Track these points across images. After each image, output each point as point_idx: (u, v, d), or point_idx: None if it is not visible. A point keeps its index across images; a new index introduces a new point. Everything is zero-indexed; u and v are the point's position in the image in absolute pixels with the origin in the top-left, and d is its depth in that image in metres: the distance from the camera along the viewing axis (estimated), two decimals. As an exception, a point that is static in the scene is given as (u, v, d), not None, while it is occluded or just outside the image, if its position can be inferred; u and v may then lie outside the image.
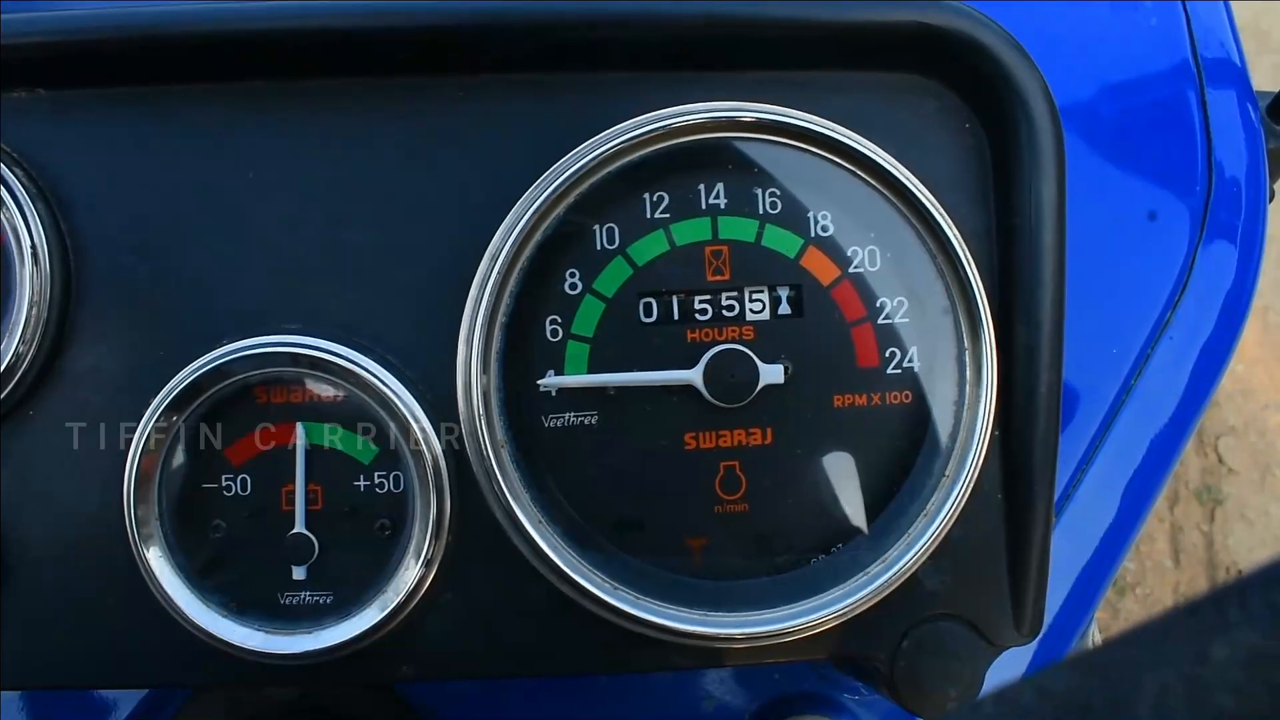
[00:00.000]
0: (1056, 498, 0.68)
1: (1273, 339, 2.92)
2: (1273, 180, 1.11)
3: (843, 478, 0.64)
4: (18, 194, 0.60)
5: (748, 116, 0.59)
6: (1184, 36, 0.88)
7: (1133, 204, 0.84)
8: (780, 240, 0.63)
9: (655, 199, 0.63)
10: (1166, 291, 0.85)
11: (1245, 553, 3.26)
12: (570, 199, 0.61)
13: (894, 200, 0.62)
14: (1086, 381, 0.83)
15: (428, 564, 0.61)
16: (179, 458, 0.61)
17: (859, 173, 0.61)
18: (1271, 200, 1.08)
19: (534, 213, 0.59)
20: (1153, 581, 3.22)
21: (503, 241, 0.60)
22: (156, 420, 0.60)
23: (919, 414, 0.63)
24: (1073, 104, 0.84)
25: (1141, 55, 0.85)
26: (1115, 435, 0.84)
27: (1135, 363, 0.83)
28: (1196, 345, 0.84)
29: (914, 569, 0.62)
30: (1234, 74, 0.89)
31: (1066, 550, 0.81)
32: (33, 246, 0.59)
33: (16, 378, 0.60)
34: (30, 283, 0.60)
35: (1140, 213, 0.85)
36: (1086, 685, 0.30)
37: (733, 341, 0.62)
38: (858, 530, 0.64)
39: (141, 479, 0.60)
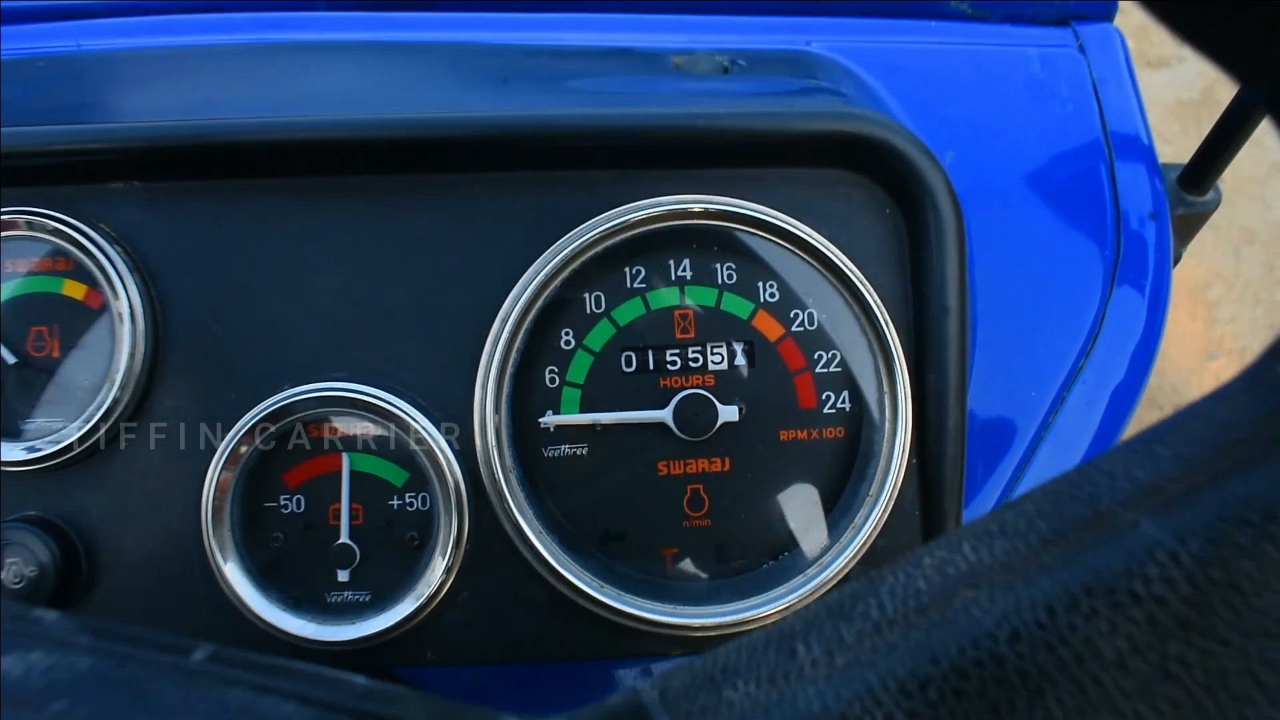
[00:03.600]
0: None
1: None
2: (1184, 243, 1.29)
3: (788, 498, 0.81)
4: (118, 266, 0.76)
5: (697, 207, 0.76)
6: (1096, 120, 1.04)
7: (1051, 265, 0.99)
8: (735, 305, 0.79)
9: (634, 272, 0.79)
10: (1080, 341, 0.98)
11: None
12: (565, 273, 0.76)
13: (827, 273, 0.77)
14: (1009, 419, 0.99)
15: (449, 569, 0.76)
16: (247, 482, 0.77)
17: (798, 251, 0.77)
18: (1178, 262, 1.25)
19: (536, 285, 0.75)
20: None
21: (511, 307, 0.77)
22: (229, 451, 0.77)
23: (850, 446, 0.79)
24: (1000, 181, 0.99)
25: (1059, 138, 0.98)
26: (1035, 465, 0.98)
27: (1052, 403, 0.98)
28: (1108, 389, 0.96)
29: (845, 572, 0.77)
30: (1141, 150, 1.05)
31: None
32: (130, 309, 0.76)
33: (115, 416, 0.77)
34: (127, 339, 0.76)
35: (1058, 273, 1.01)
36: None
37: (697, 387, 0.78)
38: (799, 541, 0.80)
39: (217, 499, 0.76)
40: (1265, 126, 1.05)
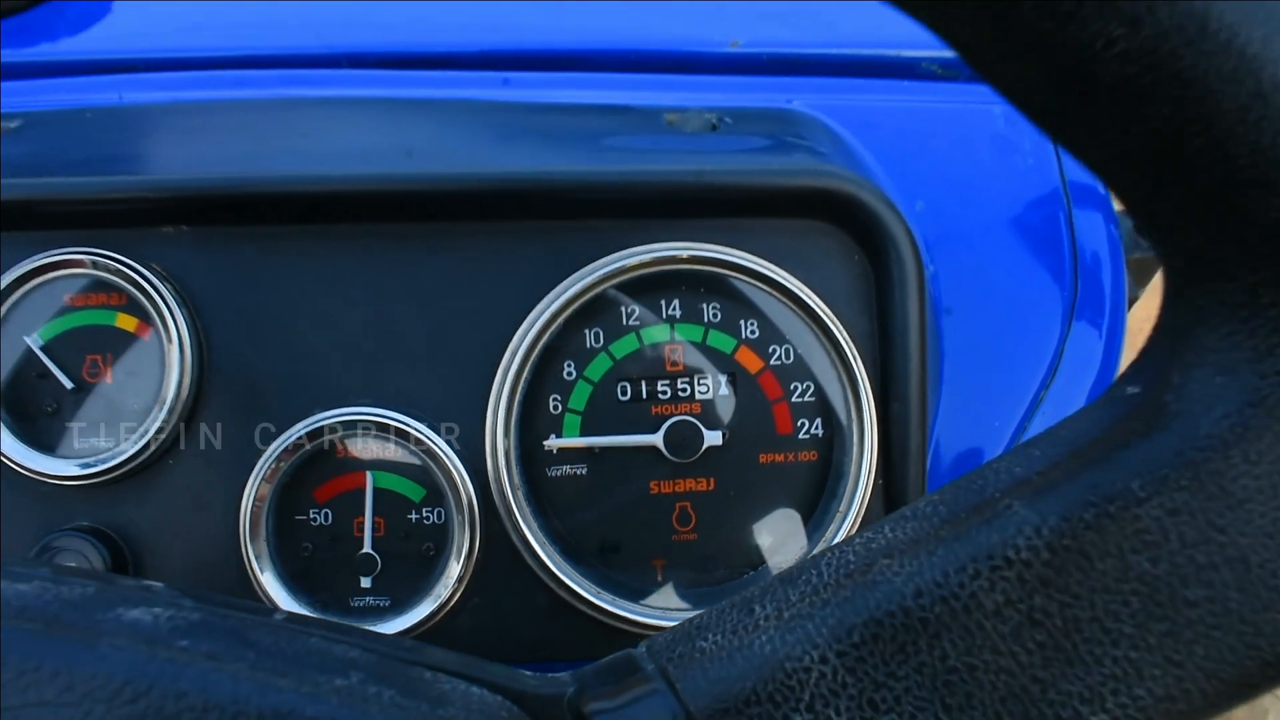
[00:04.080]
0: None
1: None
2: (1140, 285, 1.39)
3: (766, 515, 0.90)
4: (168, 301, 0.85)
5: (685, 254, 0.85)
6: (1055, 171, 1.12)
7: (1014, 304, 1.08)
8: (720, 340, 0.88)
9: (629, 310, 0.88)
10: (1040, 375, 1.05)
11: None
12: (568, 312, 0.85)
13: (801, 313, 0.86)
14: (975, 446, 1.07)
15: (461, 577, 0.84)
16: (281, 497, 0.85)
17: (775, 293, 0.86)
18: (1134, 303, 1.35)
19: (542, 322, 0.84)
20: None
21: (520, 342, 0.85)
22: (266, 469, 0.86)
23: (823, 468, 0.88)
24: (967, 227, 1.08)
25: (1021, 187, 1.06)
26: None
27: (1015, 432, 1.04)
28: (1066, 419, 1.10)
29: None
30: (1097, 199, 1.13)
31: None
32: (178, 340, 0.84)
33: (162, 436, 0.86)
34: (175, 367, 0.85)
35: (1020, 311, 1.10)
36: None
37: (685, 414, 0.87)
38: (778, 553, 0.88)
39: (255, 512, 0.85)
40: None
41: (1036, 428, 1.07)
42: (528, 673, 0.43)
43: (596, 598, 0.84)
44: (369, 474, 0.86)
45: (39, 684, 0.35)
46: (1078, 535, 0.36)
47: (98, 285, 0.87)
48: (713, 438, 0.86)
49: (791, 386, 0.88)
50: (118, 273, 0.84)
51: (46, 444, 0.86)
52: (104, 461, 0.85)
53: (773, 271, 0.86)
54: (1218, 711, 0.36)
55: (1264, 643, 0.35)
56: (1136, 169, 0.36)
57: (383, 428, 0.84)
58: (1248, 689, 0.36)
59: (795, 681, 0.37)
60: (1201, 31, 0.32)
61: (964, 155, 1.08)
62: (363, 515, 0.86)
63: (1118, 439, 0.38)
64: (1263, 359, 0.35)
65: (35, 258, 0.84)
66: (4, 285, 0.85)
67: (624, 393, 0.87)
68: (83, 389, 0.87)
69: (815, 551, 0.86)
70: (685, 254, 0.85)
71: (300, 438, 0.84)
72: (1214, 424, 0.35)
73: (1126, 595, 0.36)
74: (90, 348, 0.87)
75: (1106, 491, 0.36)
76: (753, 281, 0.87)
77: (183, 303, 0.85)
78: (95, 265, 0.84)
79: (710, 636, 0.40)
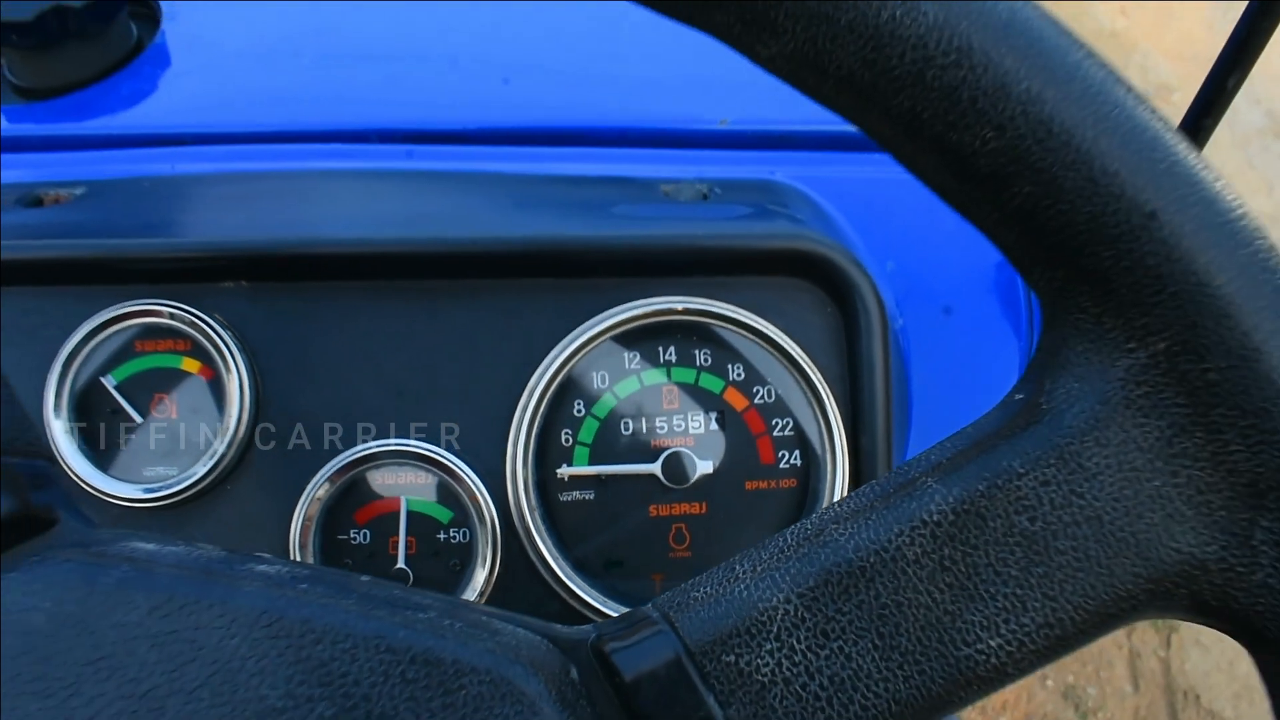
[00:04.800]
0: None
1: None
2: None
3: (752, 534, 1.04)
4: (230, 347, 0.96)
5: (680, 306, 0.97)
6: None
7: (975, 351, 1.15)
8: (710, 382, 1.01)
9: (630, 355, 1.01)
10: None
11: (1201, 676, 3.61)
12: (577, 357, 0.97)
13: (781, 358, 0.98)
14: None
15: (483, 590, 0.95)
16: (325, 518, 0.96)
17: (759, 340, 0.98)
18: None
19: (555, 366, 0.95)
20: (1113, 707, 3.56)
21: (536, 383, 0.97)
22: (313, 494, 0.99)
23: (801, 493, 0.99)
24: (932, 284, 1.21)
25: (982, 249, 1.17)
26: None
27: None
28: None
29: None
30: None
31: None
32: (239, 382, 0.97)
33: (221, 465, 0.99)
34: (235, 405, 0.97)
35: (981, 358, 1.21)
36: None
37: (680, 446, 0.98)
38: None
39: (303, 532, 0.98)
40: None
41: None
42: (558, 624, 0.56)
43: (604, 606, 0.96)
44: (403, 498, 0.99)
45: (199, 612, 0.48)
46: (975, 502, 0.49)
47: (166, 332, 1.00)
48: (704, 467, 0.99)
49: (773, 422, 1.01)
50: (187, 321, 0.97)
51: (118, 472, 0.99)
52: (169, 487, 0.97)
53: (756, 322, 1.00)
54: (1088, 637, 0.49)
55: (1116, 582, 0.48)
56: (1009, 231, 0.49)
57: (417, 457, 0.97)
58: (1108, 618, 0.48)
59: (766, 618, 0.50)
60: (1048, 133, 0.46)
61: (929, 220, 1.20)
62: (397, 535, 0.97)
63: (1006, 432, 0.51)
64: (1109, 369, 0.48)
65: (115, 307, 0.98)
66: (85, 333, 0.98)
67: (626, 427, 1.01)
68: (150, 423, 1.00)
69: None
70: (680, 306, 0.99)
71: (345, 465, 0.96)
72: (1074, 418, 0.49)
73: (1012, 546, 0.49)
74: (158, 387, 1.00)
75: (995, 470, 0.50)
76: (739, 331, 1.01)
77: (243, 349, 0.98)
78: (175, 317, 0.97)
79: (701, 589, 0.53)
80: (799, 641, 0.49)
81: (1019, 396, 0.53)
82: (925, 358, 1.15)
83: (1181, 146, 0.45)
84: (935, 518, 0.49)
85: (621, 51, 1.34)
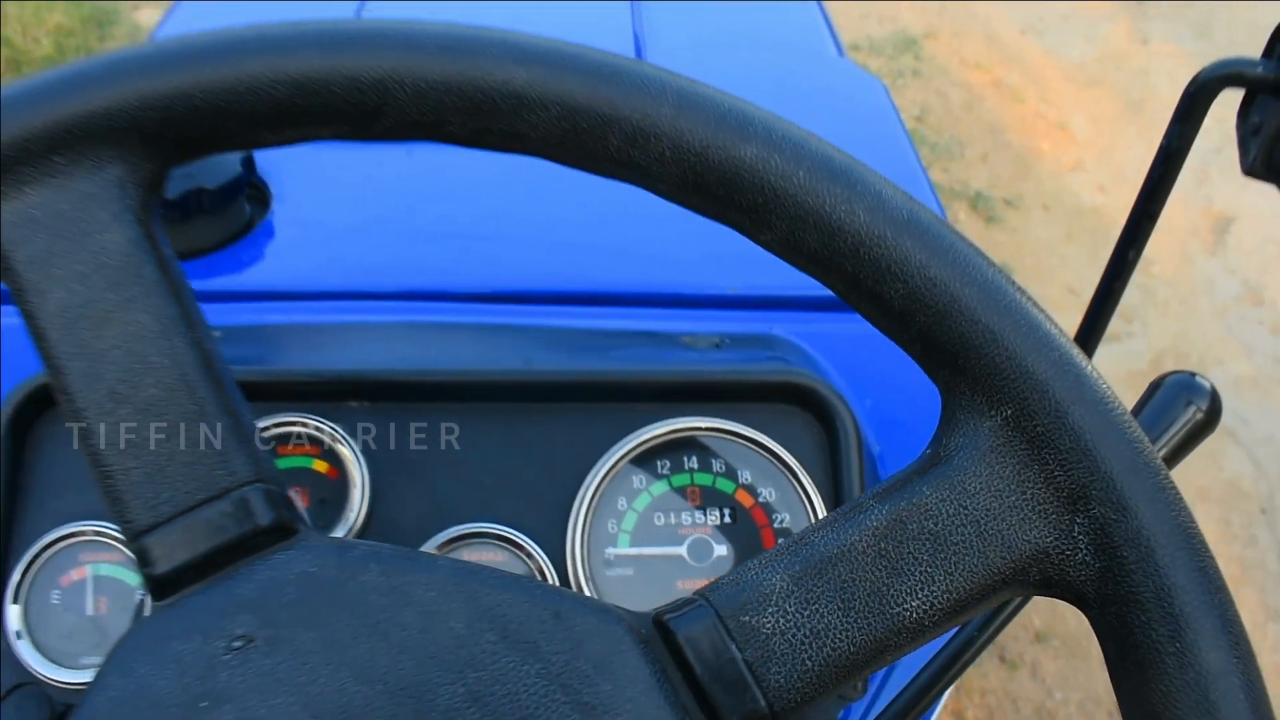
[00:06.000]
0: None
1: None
2: None
3: (757, 606, 1.31)
4: (356, 453, 1.28)
5: (703, 425, 1.23)
6: None
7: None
8: (724, 485, 1.25)
9: (662, 463, 1.28)
10: None
11: None
12: (620, 465, 1.18)
13: (780, 467, 1.24)
14: None
15: None
16: None
17: (763, 453, 1.24)
18: None
19: (604, 471, 1.18)
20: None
21: (589, 483, 1.20)
22: (415, 566, 1.27)
23: None
24: (905, 417, 1.47)
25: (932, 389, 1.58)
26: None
27: None
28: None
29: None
30: None
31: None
32: (361, 481, 1.22)
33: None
34: (357, 500, 1.20)
35: None
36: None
37: (701, 534, 1.22)
38: None
39: (406, 595, 1.27)
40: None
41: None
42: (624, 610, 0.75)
43: (641, 658, 1.24)
44: (486, 571, 1.27)
45: (410, 573, 0.76)
46: (900, 514, 0.71)
47: (301, 438, 1.31)
48: (720, 550, 1.24)
49: (773, 516, 1.30)
50: (322, 432, 1.28)
51: (260, 550, 1.28)
52: (300, 563, 1.26)
53: (760, 438, 1.28)
54: (976, 604, 0.60)
55: (989, 565, 0.64)
56: (915, 347, 0.71)
57: (498, 538, 1.25)
58: (988, 590, 0.59)
59: (768, 592, 0.70)
60: (933, 286, 0.75)
61: (904, 364, 1.54)
62: (479, 600, 1.26)
63: (919, 471, 0.71)
64: (979, 428, 0.73)
65: (267, 418, 1.29)
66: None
67: (659, 519, 1.29)
68: (287, 512, 1.29)
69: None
70: (702, 425, 1.30)
71: (443, 542, 1.26)
72: (960, 459, 0.72)
73: (923, 541, 0.62)
74: (295, 482, 1.29)
75: (912, 494, 0.71)
76: (747, 445, 1.29)
77: (363, 452, 1.29)
78: (320, 429, 1.28)
79: (727, 578, 0.75)
80: (790, 607, 0.63)
81: (928, 450, 0.80)
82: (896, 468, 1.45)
83: (1018, 295, 0.77)
84: (875, 525, 0.64)
85: (651, 232, 1.69)
